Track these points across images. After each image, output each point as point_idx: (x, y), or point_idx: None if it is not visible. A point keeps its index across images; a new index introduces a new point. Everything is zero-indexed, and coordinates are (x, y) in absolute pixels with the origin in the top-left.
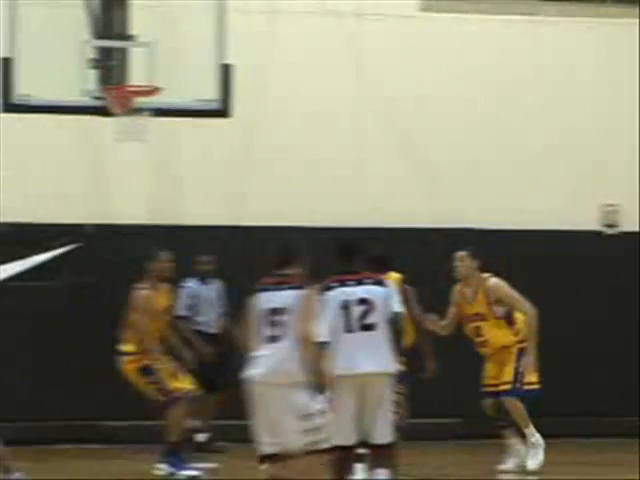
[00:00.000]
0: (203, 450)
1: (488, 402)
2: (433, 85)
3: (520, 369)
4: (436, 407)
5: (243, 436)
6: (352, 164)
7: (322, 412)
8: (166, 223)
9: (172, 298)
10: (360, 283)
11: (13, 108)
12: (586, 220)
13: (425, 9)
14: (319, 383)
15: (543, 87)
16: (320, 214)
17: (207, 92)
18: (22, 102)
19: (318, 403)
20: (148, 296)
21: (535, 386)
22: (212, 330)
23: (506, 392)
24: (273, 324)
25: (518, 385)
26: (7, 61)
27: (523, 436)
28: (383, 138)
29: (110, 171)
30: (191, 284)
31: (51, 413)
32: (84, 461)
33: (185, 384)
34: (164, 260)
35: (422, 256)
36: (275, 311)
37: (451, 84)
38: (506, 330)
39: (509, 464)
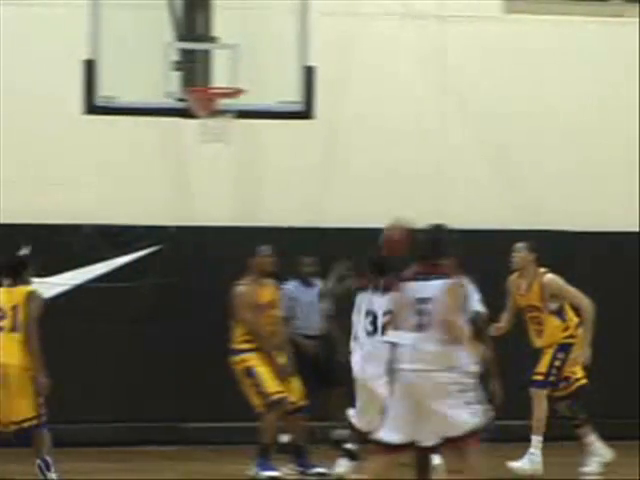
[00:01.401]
0: (285, 451)
1: (561, 403)
2: (515, 86)
3: (556, 363)
4: (519, 408)
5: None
6: (434, 165)
7: (475, 386)
8: (248, 224)
9: (276, 293)
10: None
11: (96, 110)
12: None
13: (508, 10)
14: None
15: (628, 88)
16: (401, 215)
17: (290, 94)
18: (105, 104)
19: (470, 379)
20: (248, 291)
21: (583, 381)
22: (312, 332)
23: (537, 383)
24: (420, 313)
25: (552, 378)
26: (90, 63)
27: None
28: (465, 139)
29: (193, 173)
30: (290, 286)
31: (134, 414)
32: (166, 462)
33: (287, 389)
34: (265, 255)
35: (504, 258)
36: (422, 300)
37: (534, 85)
38: (557, 325)
39: (592, 466)
